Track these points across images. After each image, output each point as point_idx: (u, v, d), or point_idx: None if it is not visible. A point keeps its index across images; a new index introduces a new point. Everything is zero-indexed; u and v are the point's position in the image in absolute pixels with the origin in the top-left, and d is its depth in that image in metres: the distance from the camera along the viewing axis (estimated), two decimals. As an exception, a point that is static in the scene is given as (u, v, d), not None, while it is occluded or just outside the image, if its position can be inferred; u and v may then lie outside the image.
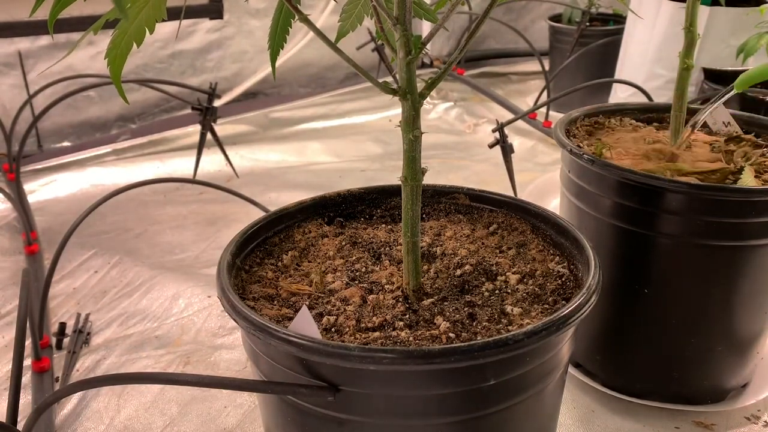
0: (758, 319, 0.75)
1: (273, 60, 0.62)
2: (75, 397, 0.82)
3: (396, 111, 1.89)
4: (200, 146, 1.17)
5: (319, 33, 0.47)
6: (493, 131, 1.20)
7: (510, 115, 1.74)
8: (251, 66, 1.76)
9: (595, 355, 0.82)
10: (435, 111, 1.90)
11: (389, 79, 0.50)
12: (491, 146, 1.24)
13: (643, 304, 0.75)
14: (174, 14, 1.67)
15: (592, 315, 0.80)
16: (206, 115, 1.13)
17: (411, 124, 0.50)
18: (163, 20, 0.46)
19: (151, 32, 0.44)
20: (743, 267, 0.71)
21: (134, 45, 0.46)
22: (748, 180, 0.69)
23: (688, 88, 0.83)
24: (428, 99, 1.99)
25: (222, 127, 1.69)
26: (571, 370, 0.83)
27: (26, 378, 0.85)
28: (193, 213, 1.32)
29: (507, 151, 1.16)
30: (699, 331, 0.75)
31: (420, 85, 0.52)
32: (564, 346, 0.52)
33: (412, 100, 0.49)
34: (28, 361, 0.86)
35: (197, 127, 1.35)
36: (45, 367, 0.85)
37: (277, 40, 0.61)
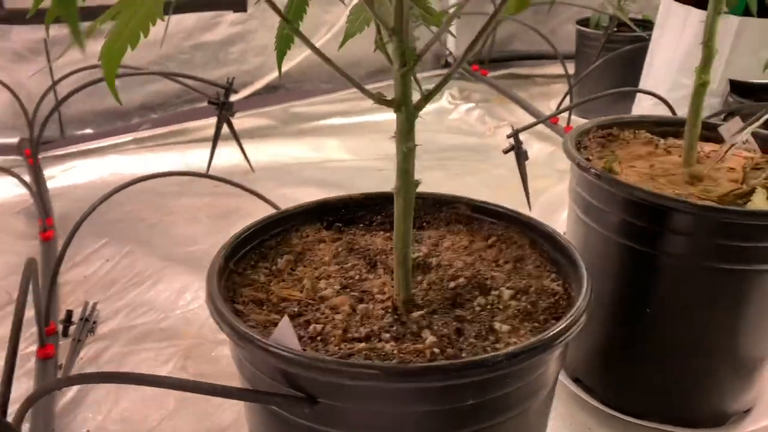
0: (763, 344, 0.73)
1: (279, 61, 0.62)
2: (76, 386, 0.84)
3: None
4: (215, 141, 1.17)
5: (312, 46, 0.46)
6: (508, 137, 1.18)
7: (531, 119, 1.72)
8: (273, 60, 1.76)
9: (595, 371, 0.81)
10: (457, 111, 1.89)
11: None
12: (506, 152, 1.22)
13: (644, 324, 0.74)
14: (198, 6, 1.66)
15: (594, 330, 0.79)
16: (222, 109, 1.13)
17: (405, 136, 0.49)
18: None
19: (146, 35, 0.44)
20: (750, 291, 0.69)
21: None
22: (759, 202, 0.67)
23: (705, 102, 0.81)
24: (450, 99, 1.98)
25: (242, 120, 1.70)
26: (570, 385, 0.82)
27: (31, 364, 0.86)
28: (207, 205, 1.33)
29: (521, 157, 1.14)
30: (701, 353, 0.73)
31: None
32: (550, 366, 0.51)
33: (407, 113, 0.48)
34: (34, 347, 0.88)
35: (217, 119, 1.36)
36: (49, 353, 0.87)
37: (284, 41, 0.61)
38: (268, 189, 1.39)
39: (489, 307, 0.56)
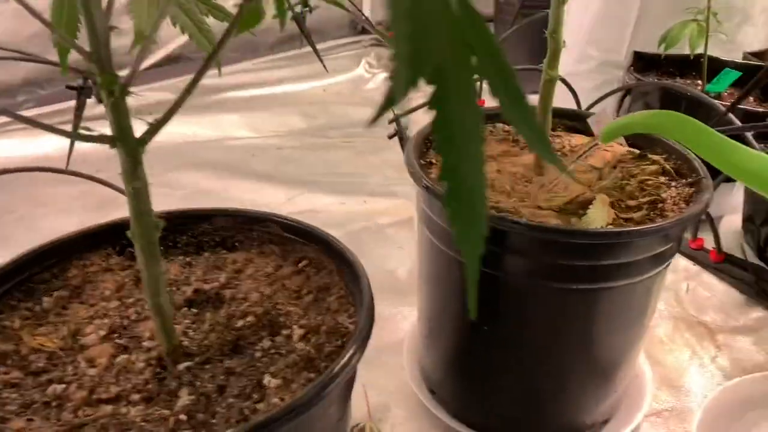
0: (613, 357, 0.69)
1: (63, 61, 0.54)
2: None
3: (333, 79, 1.80)
4: (74, 128, 1.08)
5: None
6: (390, 122, 1.11)
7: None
8: (173, 30, 1.65)
9: (447, 384, 0.76)
10: (373, 81, 1.81)
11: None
12: (390, 137, 1.15)
13: (490, 341, 0.69)
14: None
15: (444, 343, 0.74)
16: (80, 95, 1.04)
17: (130, 175, 0.42)
18: None
19: None
20: (596, 308, 0.65)
21: None
22: (594, 216, 0.61)
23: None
24: (367, 67, 1.89)
25: (142, 96, 1.59)
26: (424, 398, 0.77)
27: None
28: (84, 194, 1.24)
29: (405, 142, 1.08)
30: (550, 368, 0.69)
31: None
32: (320, 418, 0.46)
33: (126, 149, 0.41)
34: None
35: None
36: None
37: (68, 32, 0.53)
38: (154, 174, 1.31)
39: (272, 352, 0.50)
